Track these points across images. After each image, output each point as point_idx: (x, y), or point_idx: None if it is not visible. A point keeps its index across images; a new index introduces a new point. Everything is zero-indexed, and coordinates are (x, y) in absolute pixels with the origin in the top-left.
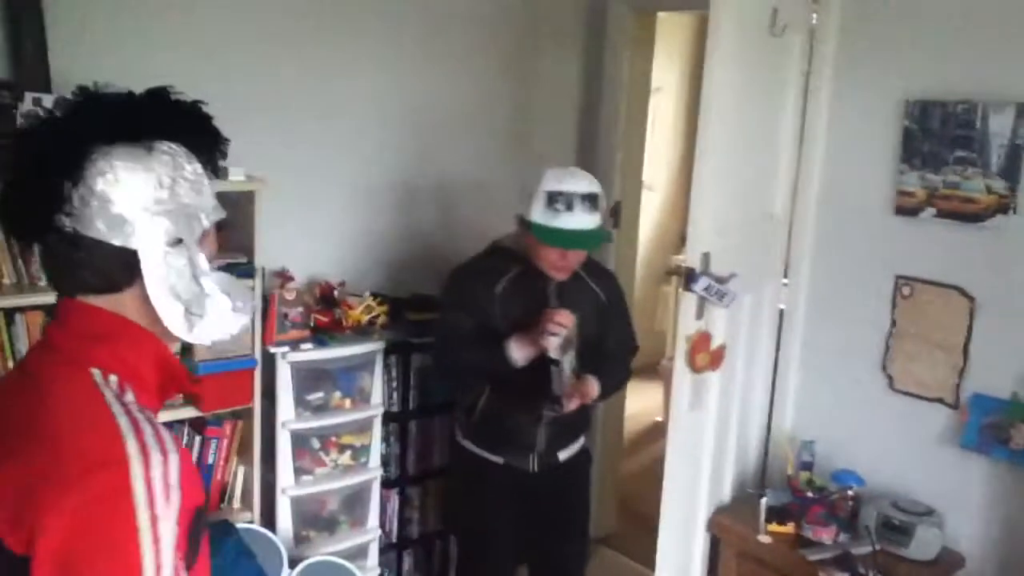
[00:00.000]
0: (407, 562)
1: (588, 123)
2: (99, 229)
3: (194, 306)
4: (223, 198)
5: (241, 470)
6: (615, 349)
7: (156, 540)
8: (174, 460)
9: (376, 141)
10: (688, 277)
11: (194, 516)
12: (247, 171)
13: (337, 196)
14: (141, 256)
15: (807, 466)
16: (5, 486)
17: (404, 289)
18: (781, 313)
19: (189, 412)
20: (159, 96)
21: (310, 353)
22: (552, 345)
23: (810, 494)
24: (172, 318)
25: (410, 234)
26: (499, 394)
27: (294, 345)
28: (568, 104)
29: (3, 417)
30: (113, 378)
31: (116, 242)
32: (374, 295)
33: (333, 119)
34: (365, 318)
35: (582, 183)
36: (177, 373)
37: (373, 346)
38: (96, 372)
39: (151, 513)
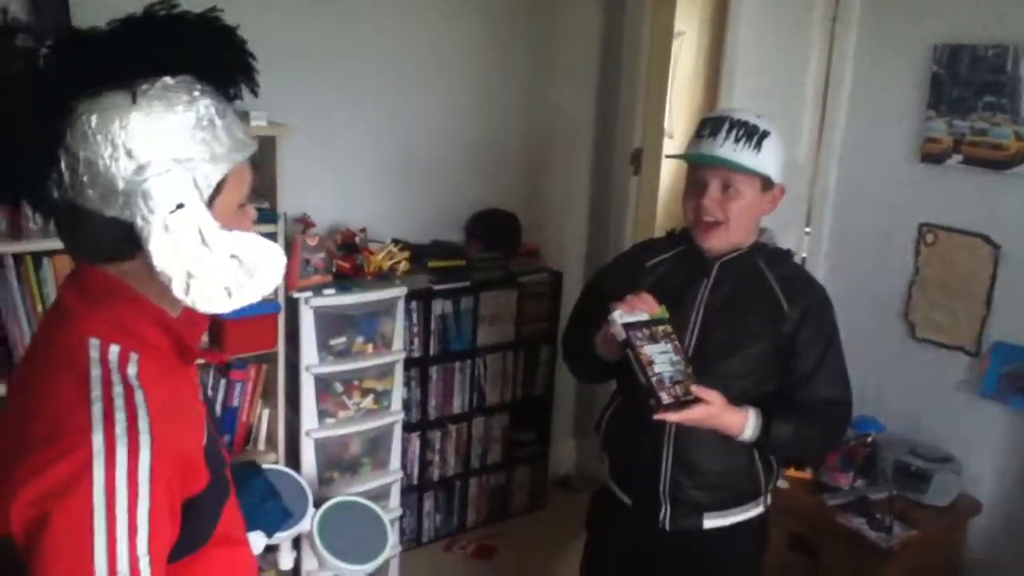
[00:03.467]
0: (427, 504)
1: (609, 68)
2: (90, 198)
3: (196, 269)
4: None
5: (266, 413)
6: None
7: (112, 544)
8: (144, 456)
9: (397, 88)
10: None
11: (188, 508)
12: (269, 116)
13: (358, 143)
14: (138, 228)
15: None
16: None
17: (425, 236)
18: (803, 261)
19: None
20: (153, 18)
21: (332, 298)
22: (614, 324)
23: None
24: (177, 285)
25: (431, 181)
26: (623, 398)
27: (316, 290)
28: (589, 50)
29: (17, 375)
30: (114, 349)
31: (110, 213)
32: (395, 241)
33: (356, 64)
34: (386, 264)
35: (741, 113)
36: (185, 341)
37: (394, 292)
38: (95, 343)
39: (109, 515)
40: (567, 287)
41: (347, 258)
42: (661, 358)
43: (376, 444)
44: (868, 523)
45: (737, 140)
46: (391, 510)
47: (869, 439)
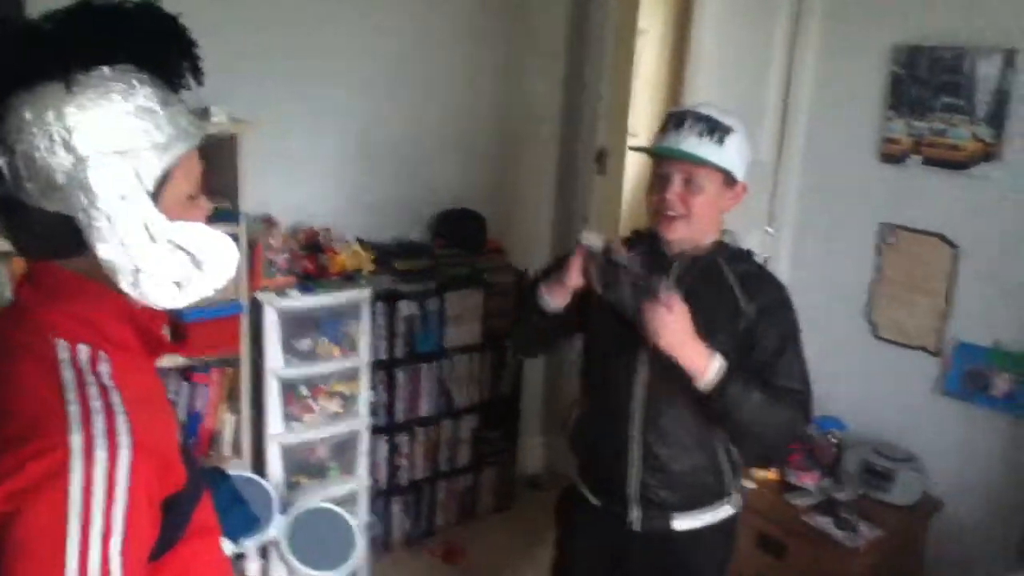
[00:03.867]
0: (396, 509)
1: (574, 66)
2: (30, 192)
3: (144, 264)
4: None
5: (230, 417)
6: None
7: (84, 545)
8: (124, 457)
9: (362, 85)
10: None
11: (167, 506)
12: (231, 113)
13: (322, 140)
14: (80, 223)
15: None
16: None
17: (390, 235)
18: (765, 261)
19: (177, 359)
20: (90, 8)
21: (297, 300)
22: (587, 238)
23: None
24: (124, 280)
25: (395, 179)
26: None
27: (280, 291)
28: (554, 47)
29: None
30: (83, 349)
31: (51, 208)
32: (360, 241)
33: (320, 61)
34: (351, 265)
35: (706, 108)
36: (150, 331)
37: (360, 293)
38: (62, 344)
39: (84, 516)
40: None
41: (311, 258)
42: (632, 262)
43: (343, 448)
44: (834, 523)
45: (700, 134)
46: (359, 515)
47: (834, 438)
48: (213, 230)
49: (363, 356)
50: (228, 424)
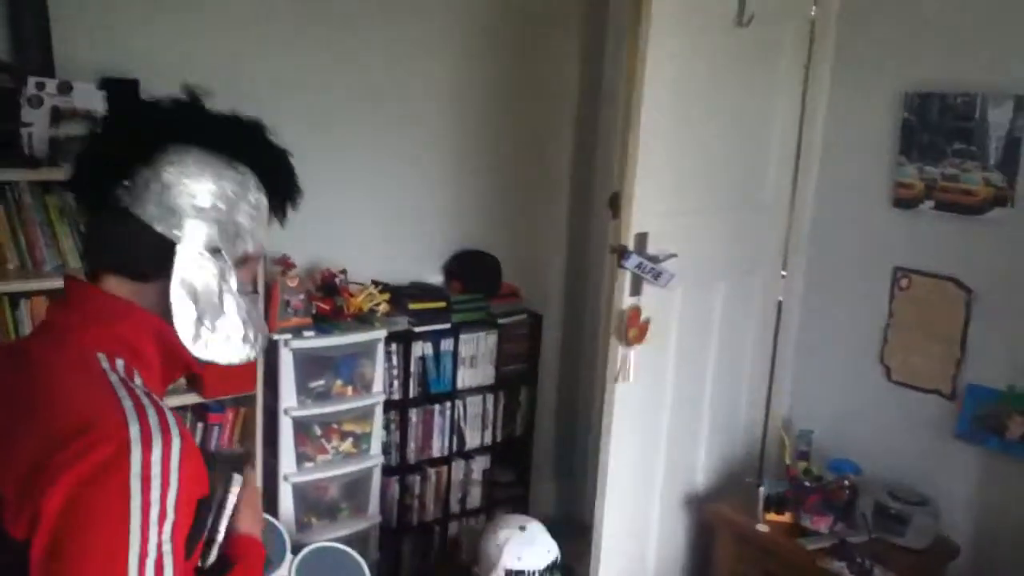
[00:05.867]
0: (407, 548)
1: (587, 112)
2: (150, 212)
3: (207, 318)
4: None
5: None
6: None
7: (145, 527)
8: (176, 443)
9: (377, 128)
10: (620, 254)
11: (197, 507)
12: None
13: (339, 182)
14: (178, 250)
15: (804, 455)
16: (13, 466)
17: (405, 277)
18: (779, 305)
19: (192, 398)
20: (255, 128)
21: (312, 340)
22: None
23: (807, 483)
24: (183, 321)
25: (411, 221)
26: None
27: (296, 332)
28: (567, 93)
29: (2, 398)
30: (120, 362)
31: (159, 229)
32: (375, 283)
33: (338, 104)
34: (366, 306)
35: (541, 556)
36: (181, 352)
37: (374, 334)
38: (102, 357)
39: (144, 499)
40: (547, 328)
41: (327, 300)
42: None
43: (355, 488)
44: (848, 567)
45: None
46: (370, 555)
47: (847, 482)
48: (260, 322)
49: (376, 396)
50: None
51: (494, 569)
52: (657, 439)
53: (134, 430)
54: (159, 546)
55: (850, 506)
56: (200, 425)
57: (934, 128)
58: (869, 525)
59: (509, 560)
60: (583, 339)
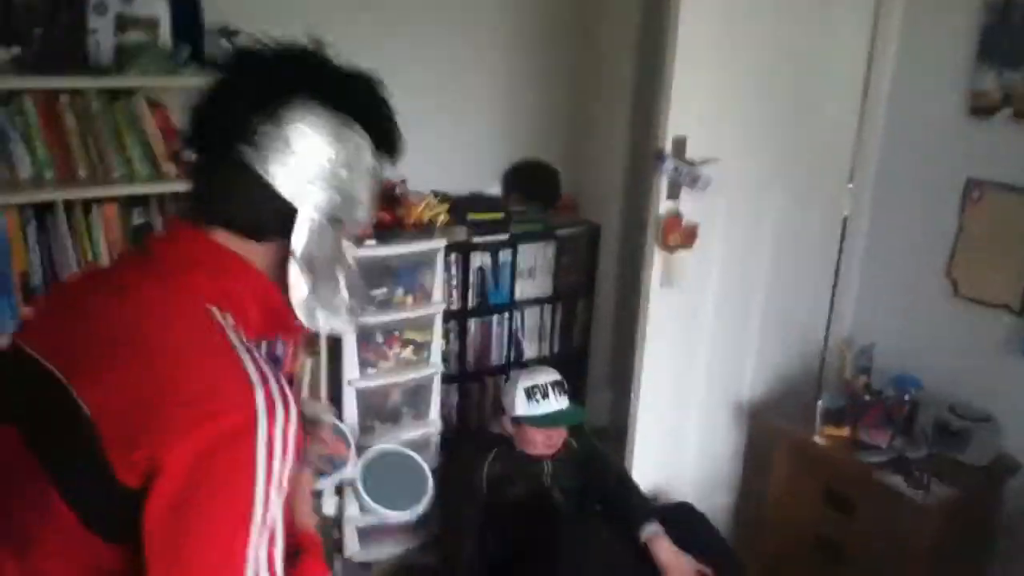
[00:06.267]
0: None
1: (652, 20)
2: (272, 172)
3: (320, 287)
4: None
5: (309, 362)
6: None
7: (267, 498)
8: (293, 420)
9: (437, 36)
10: (657, 158)
11: None
12: None
13: (397, 91)
14: (299, 216)
15: (865, 370)
16: (113, 395)
17: (464, 187)
18: (844, 220)
19: None
20: (376, 85)
21: (373, 249)
22: None
23: (867, 397)
24: (297, 289)
25: (470, 131)
26: None
27: (358, 241)
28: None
29: (98, 319)
30: (229, 317)
31: (283, 192)
32: (435, 193)
33: (390, 8)
34: (426, 216)
35: (550, 375)
36: (284, 316)
37: (434, 244)
38: (214, 309)
39: (267, 469)
40: (605, 240)
41: (387, 210)
42: None
43: (416, 395)
44: (906, 481)
45: (557, 396)
46: (430, 460)
47: (908, 397)
48: (352, 299)
49: (436, 306)
50: (306, 369)
51: (514, 394)
52: (698, 346)
53: (260, 400)
54: (274, 516)
55: (910, 421)
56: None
57: (1016, 32)
58: (929, 440)
59: (523, 382)
60: (641, 250)
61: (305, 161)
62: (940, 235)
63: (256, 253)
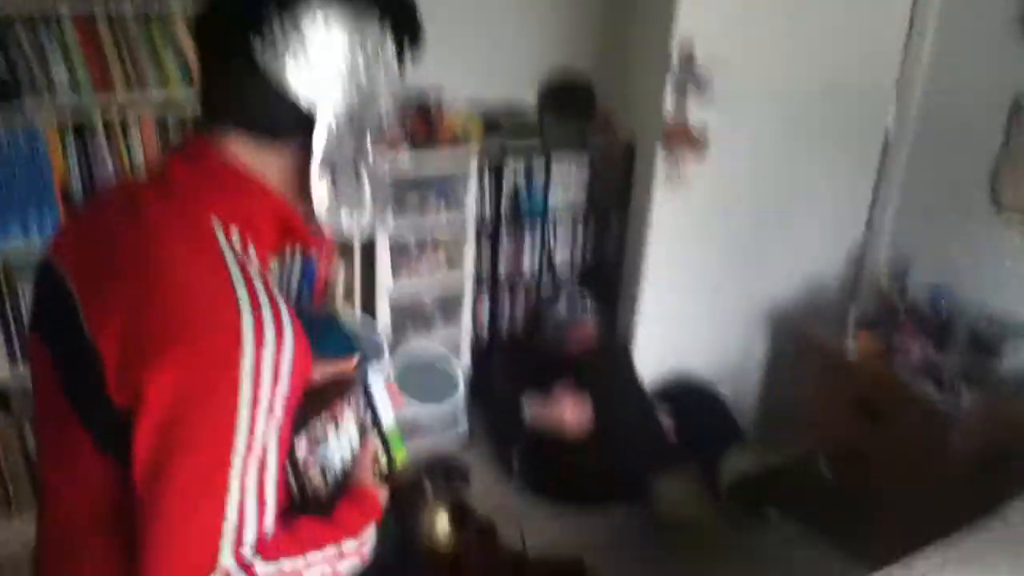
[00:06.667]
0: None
1: None
2: (287, 67)
3: (342, 190)
4: None
5: (344, 269)
6: None
7: (252, 424)
8: (288, 347)
9: None
10: (663, 61)
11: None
12: None
13: (433, 4)
14: (318, 113)
15: (901, 282)
16: (112, 315)
17: (499, 97)
18: (885, 133)
19: None
20: None
21: (407, 162)
22: None
23: (902, 308)
24: (319, 194)
25: (506, 43)
26: None
27: (391, 147)
28: None
29: (111, 238)
30: (235, 232)
31: (300, 90)
32: (469, 104)
33: None
34: (460, 127)
35: None
36: (298, 232)
37: (468, 155)
38: (217, 224)
39: (253, 395)
40: (641, 155)
41: (422, 121)
42: None
43: (448, 302)
44: (937, 388)
45: None
46: (462, 364)
47: (943, 308)
48: (376, 201)
49: (469, 215)
50: (341, 274)
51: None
52: (709, 250)
53: (247, 325)
54: (264, 443)
55: (944, 331)
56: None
57: None
58: (962, 350)
59: None
60: None
61: (320, 56)
62: (984, 151)
63: (272, 159)
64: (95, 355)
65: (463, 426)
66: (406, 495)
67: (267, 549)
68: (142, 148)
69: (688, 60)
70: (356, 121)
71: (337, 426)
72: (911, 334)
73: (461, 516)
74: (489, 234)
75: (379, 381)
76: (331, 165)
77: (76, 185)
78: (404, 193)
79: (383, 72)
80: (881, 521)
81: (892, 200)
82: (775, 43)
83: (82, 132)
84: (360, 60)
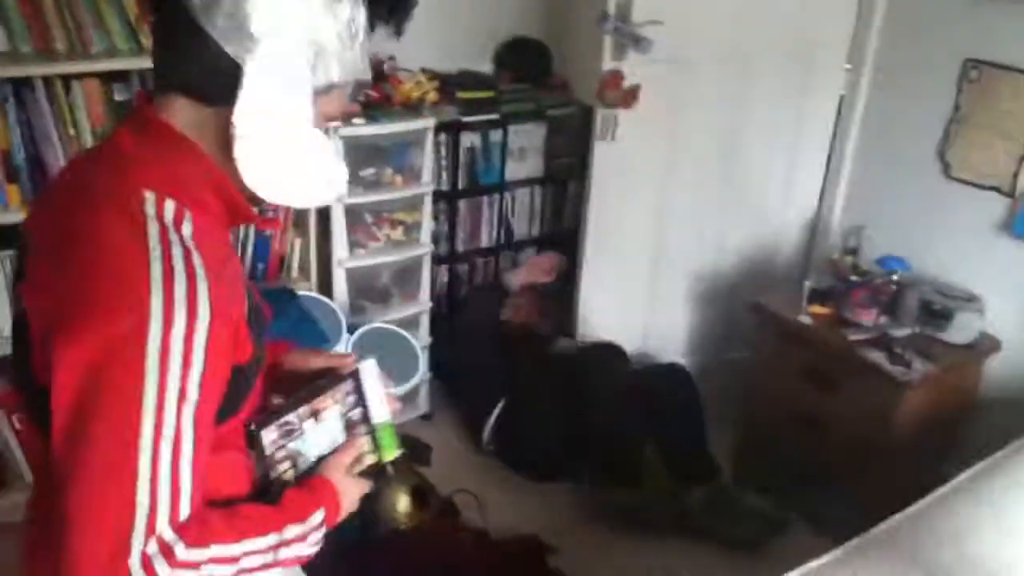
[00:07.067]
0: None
1: None
2: (219, 27)
3: (279, 155)
4: None
5: (298, 242)
6: None
7: (160, 406)
8: (202, 324)
9: None
10: (599, 18)
11: (232, 376)
12: None
13: None
14: (245, 74)
15: (853, 251)
16: (41, 293)
17: (454, 64)
18: (840, 99)
19: None
20: None
21: (361, 128)
22: None
23: (854, 278)
24: (246, 159)
25: (461, 6)
26: None
27: (346, 120)
28: None
29: (54, 209)
30: (170, 205)
31: (228, 48)
32: (424, 71)
33: None
34: (415, 94)
35: None
36: (239, 206)
37: (423, 123)
38: (149, 197)
39: (161, 379)
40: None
41: (375, 87)
42: None
43: (406, 275)
44: (888, 358)
45: None
46: (421, 339)
47: (895, 277)
48: (338, 160)
49: (426, 186)
50: (296, 248)
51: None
52: (647, 210)
53: (156, 303)
54: (177, 426)
55: (896, 301)
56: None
57: None
58: (913, 320)
59: None
60: None
61: (253, 14)
62: (935, 116)
63: (213, 122)
64: (25, 329)
65: (424, 404)
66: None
67: (193, 535)
68: (86, 112)
69: (624, 18)
70: (298, 85)
71: (317, 420)
72: (863, 305)
73: (422, 496)
74: (447, 205)
75: (373, 376)
76: (263, 133)
77: (19, 151)
78: (358, 162)
79: (334, 32)
80: (832, 486)
81: (846, 168)
82: (722, 4)
83: (22, 95)
84: (300, 19)
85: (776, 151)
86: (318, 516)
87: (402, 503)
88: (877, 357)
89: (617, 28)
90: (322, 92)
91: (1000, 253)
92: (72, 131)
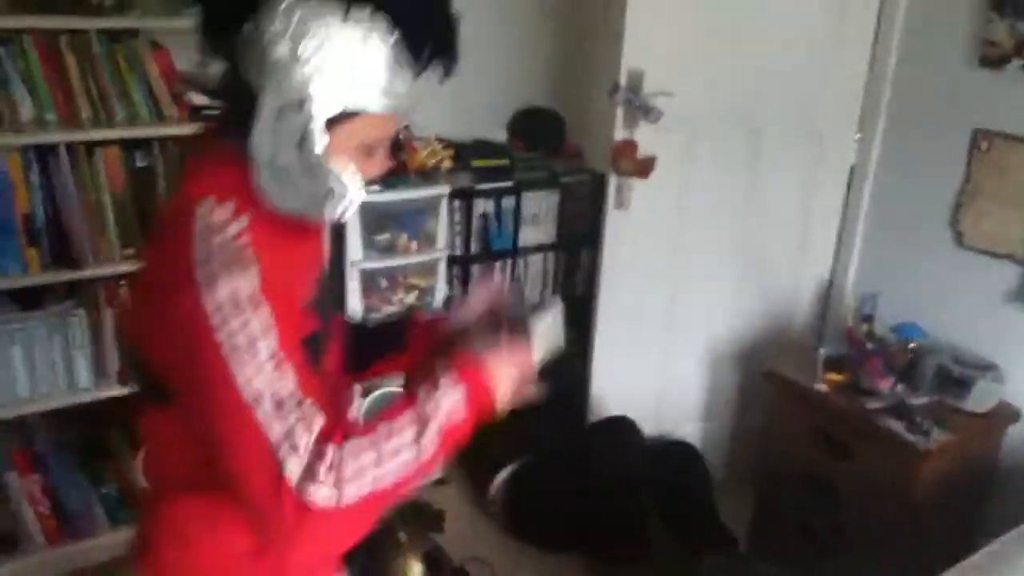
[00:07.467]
0: None
1: None
2: (251, 71)
3: (288, 177)
4: None
5: None
6: None
7: (234, 367)
8: (252, 276)
9: None
10: (611, 89)
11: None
12: None
13: None
14: (260, 102)
15: (868, 319)
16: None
17: (468, 133)
18: (851, 169)
19: None
20: None
21: (377, 195)
22: None
23: (869, 345)
24: (259, 174)
25: (474, 76)
26: None
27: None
28: None
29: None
30: (230, 205)
31: (249, 77)
32: (439, 139)
33: None
34: (430, 162)
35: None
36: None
37: (438, 190)
38: (206, 199)
39: (229, 341)
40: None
41: (391, 155)
42: None
43: None
44: (906, 427)
45: None
46: None
47: (911, 345)
48: (355, 182)
49: (439, 251)
50: None
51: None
52: (660, 277)
53: (202, 274)
54: (262, 373)
55: (912, 369)
56: None
57: None
58: (930, 388)
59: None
60: None
61: (277, 53)
62: (946, 185)
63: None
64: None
65: (438, 468)
66: (378, 543)
67: (338, 438)
68: (106, 178)
69: (635, 90)
70: (306, 112)
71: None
72: (879, 372)
73: (435, 563)
74: (460, 270)
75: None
76: (272, 156)
77: (39, 215)
78: (374, 228)
79: (359, 72)
80: (849, 555)
81: (858, 236)
82: (733, 76)
83: (45, 161)
84: (322, 55)
85: (788, 219)
86: (456, 392)
87: (414, 572)
88: (895, 425)
89: (629, 99)
90: (348, 117)
91: (1016, 321)
92: (93, 196)
